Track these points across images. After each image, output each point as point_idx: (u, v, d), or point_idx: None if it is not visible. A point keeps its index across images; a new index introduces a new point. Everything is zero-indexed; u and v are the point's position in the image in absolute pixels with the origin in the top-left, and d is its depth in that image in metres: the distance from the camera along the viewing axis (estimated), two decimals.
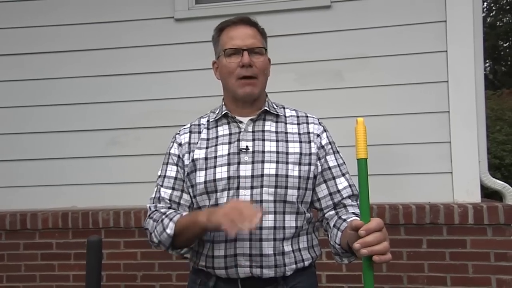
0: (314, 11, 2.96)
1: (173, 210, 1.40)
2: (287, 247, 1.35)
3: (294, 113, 1.51)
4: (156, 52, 3.08)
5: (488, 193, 2.97)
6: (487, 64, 18.32)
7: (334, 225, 1.35)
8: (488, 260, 2.62)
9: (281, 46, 2.88)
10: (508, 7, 18.73)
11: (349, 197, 1.42)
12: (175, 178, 1.45)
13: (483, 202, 2.73)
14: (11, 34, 3.20)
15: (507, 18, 19.14)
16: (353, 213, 1.37)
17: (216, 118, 1.47)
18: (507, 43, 19.60)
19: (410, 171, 2.83)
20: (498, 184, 2.81)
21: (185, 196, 1.44)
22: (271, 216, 1.33)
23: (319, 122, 1.49)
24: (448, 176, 2.79)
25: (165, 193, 1.44)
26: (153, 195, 1.47)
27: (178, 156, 1.46)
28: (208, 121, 1.50)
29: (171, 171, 1.46)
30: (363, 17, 2.91)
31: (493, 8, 18.62)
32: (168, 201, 1.44)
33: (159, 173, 1.49)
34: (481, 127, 2.79)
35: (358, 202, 1.40)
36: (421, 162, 2.82)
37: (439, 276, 2.67)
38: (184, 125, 1.54)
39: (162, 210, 1.40)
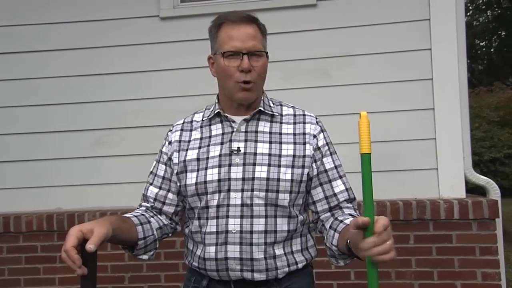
0: (300, 9, 2.97)
1: (139, 212, 1.41)
2: (278, 251, 1.32)
3: (291, 111, 1.45)
4: (141, 51, 3.05)
5: (467, 188, 3.03)
6: None
7: (330, 227, 1.32)
8: (474, 254, 2.67)
9: (267, 45, 2.87)
10: (484, 7, 19.13)
11: (345, 201, 1.38)
12: (163, 178, 1.45)
13: (468, 197, 2.78)
14: None
15: (483, 18, 19.56)
16: (349, 214, 1.34)
17: (210, 117, 1.43)
18: (484, 42, 20.02)
19: (396, 167, 2.86)
20: (482, 179, 2.86)
21: (170, 195, 1.44)
22: (262, 220, 1.30)
23: (316, 122, 1.43)
24: (433, 172, 2.83)
25: (152, 192, 1.45)
26: (143, 192, 1.48)
27: (167, 155, 1.45)
28: (202, 119, 1.46)
29: (160, 170, 1.46)
30: (349, 16, 2.93)
31: (470, 7, 18.98)
32: (153, 200, 1.44)
33: (151, 169, 1.49)
34: (465, 124, 2.84)
35: (354, 205, 1.39)
36: (407, 159, 2.86)
37: (426, 271, 2.70)
38: (178, 122, 1.50)
39: (136, 211, 1.43)
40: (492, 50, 19.94)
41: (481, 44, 20.00)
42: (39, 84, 3.10)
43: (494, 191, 2.81)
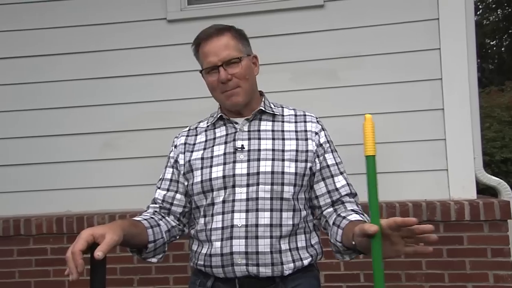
0: (307, 10, 2.95)
1: (148, 215, 1.44)
2: (284, 245, 1.34)
3: (292, 112, 1.52)
4: (149, 53, 3.06)
5: (478, 189, 3.00)
6: None
7: (333, 223, 1.35)
8: (485, 256, 2.64)
9: (275, 46, 2.87)
10: (494, 5, 18.95)
11: (347, 195, 1.43)
12: (171, 180, 1.50)
13: (479, 198, 2.75)
14: None
15: (493, 17, 19.38)
16: (352, 210, 1.37)
17: (214, 122, 1.51)
18: (494, 41, 19.83)
19: (406, 168, 2.83)
20: (493, 180, 2.82)
21: (178, 196, 1.48)
22: (267, 214, 1.33)
23: (317, 121, 1.50)
24: (443, 173, 2.80)
25: (160, 194, 1.50)
26: (153, 197, 1.54)
27: (174, 159, 1.51)
28: (207, 124, 1.53)
29: (168, 173, 1.52)
30: (356, 16, 2.92)
31: (480, 6, 18.81)
32: (161, 201, 1.49)
33: (160, 176, 1.55)
34: (475, 124, 2.81)
35: (356, 200, 1.44)
36: (416, 160, 2.83)
37: (437, 273, 2.67)
38: (183, 129, 1.58)
39: (144, 214, 1.46)
40: (502, 49, 19.73)
41: (491, 43, 19.80)
42: (47, 87, 3.11)
43: (506, 191, 2.78)
